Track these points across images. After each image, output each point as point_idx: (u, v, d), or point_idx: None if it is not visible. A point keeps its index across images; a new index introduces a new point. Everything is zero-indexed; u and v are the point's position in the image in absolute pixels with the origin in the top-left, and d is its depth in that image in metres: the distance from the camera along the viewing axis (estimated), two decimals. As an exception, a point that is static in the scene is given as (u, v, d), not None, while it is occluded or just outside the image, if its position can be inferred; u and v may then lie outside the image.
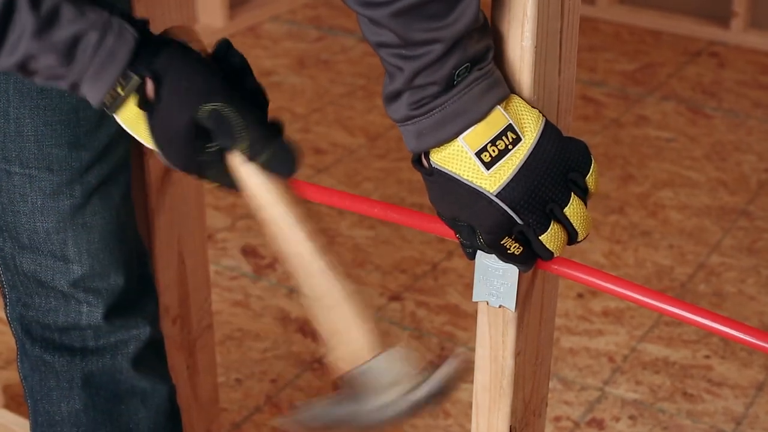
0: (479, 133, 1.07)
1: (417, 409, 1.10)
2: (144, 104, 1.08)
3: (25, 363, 1.43)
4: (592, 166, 1.13)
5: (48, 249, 1.34)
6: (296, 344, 2.38)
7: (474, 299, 1.24)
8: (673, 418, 2.19)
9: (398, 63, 1.05)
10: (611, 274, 1.22)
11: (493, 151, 1.08)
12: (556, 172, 1.10)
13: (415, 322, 2.45)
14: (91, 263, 1.35)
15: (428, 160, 1.10)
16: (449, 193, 1.10)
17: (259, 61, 3.71)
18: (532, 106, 1.12)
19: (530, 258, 1.14)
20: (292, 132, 3.24)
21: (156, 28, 1.48)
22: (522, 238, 1.12)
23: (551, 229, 1.11)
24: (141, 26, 1.09)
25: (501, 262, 1.17)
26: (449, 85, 1.05)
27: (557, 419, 2.19)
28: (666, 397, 2.25)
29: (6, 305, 1.42)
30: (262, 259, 2.68)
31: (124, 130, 1.34)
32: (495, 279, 1.21)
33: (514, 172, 1.08)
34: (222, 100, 1.09)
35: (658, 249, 2.73)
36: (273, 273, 2.62)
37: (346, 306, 1.11)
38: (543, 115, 1.12)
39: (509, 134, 1.08)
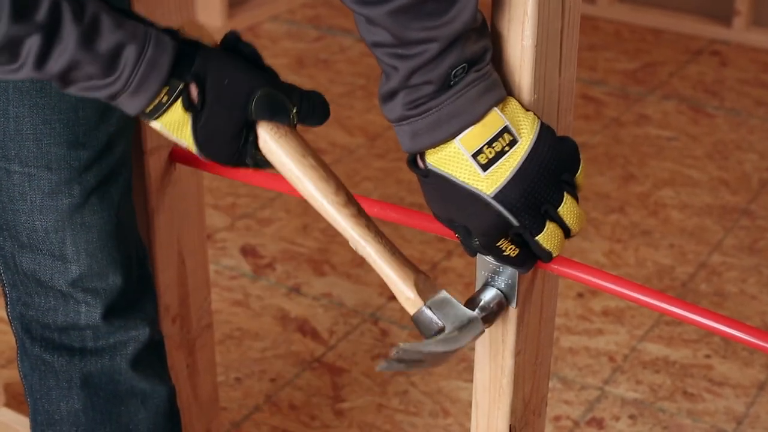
0: (475, 135, 1.08)
1: (477, 335, 1.18)
2: (191, 108, 1.11)
3: (25, 362, 1.43)
4: (581, 165, 1.14)
5: (47, 248, 1.34)
6: (295, 343, 2.38)
7: (477, 295, 1.25)
8: (673, 418, 2.19)
9: (393, 62, 1.05)
10: (611, 274, 1.22)
11: (490, 152, 1.08)
12: (551, 173, 1.11)
13: (415, 322, 2.45)
14: (90, 263, 1.36)
15: (424, 160, 1.11)
16: (445, 194, 1.11)
17: (259, 60, 3.71)
18: (533, 106, 1.13)
19: (528, 259, 1.15)
20: (291, 131, 3.25)
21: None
22: (518, 240, 1.13)
23: (547, 229, 1.12)
24: (174, 35, 1.12)
25: (502, 259, 1.19)
26: (446, 85, 1.05)
27: (557, 419, 2.19)
28: (666, 396, 2.25)
29: (7, 304, 1.43)
30: (261, 258, 2.68)
31: (124, 130, 1.35)
32: (496, 275, 1.21)
33: (511, 175, 1.09)
34: (262, 85, 1.13)
35: (658, 248, 2.73)
36: (272, 272, 2.62)
37: (385, 264, 1.16)
38: (538, 117, 1.12)
39: (506, 136, 1.08)
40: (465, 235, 1.14)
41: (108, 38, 1.05)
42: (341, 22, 4.07)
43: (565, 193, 1.12)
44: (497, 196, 1.09)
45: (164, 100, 1.10)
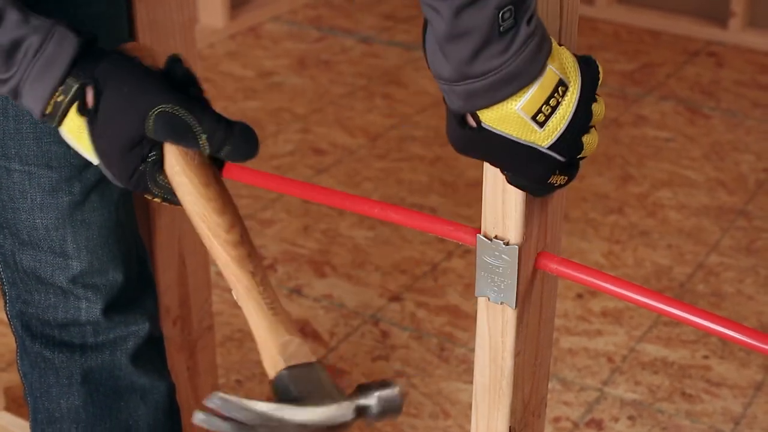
0: (535, 98, 1.05)
1: (337, 425, 1.03)
2: (84, 112, 1.07)
3: (25, 360, 1.43)
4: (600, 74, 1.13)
5: (47, 245, 1.34)
6: (296, 344, 2.37)
7: (476, 294, 1.24)
8: (671, 419, 2.19)
9: (436, 4, 1.00)
10: (610, 275, 1.22)
11: (547, 110, 1.06)
12: (590, 102, 1.10)
13: (414, 323, 2.45)
14: (90, 260, 1.36)
15: (476, 118, 1.07)
16: (496, 149, 1.08)
17: (260, 61, 3.71)
18: None
19: (574, 172, 1.14)
20: (292, 132, 3.25)
21: (158, 29, 1.49)
22: (565, 169, 1.12)
23: (585, 144, 1.11)
24: (87, 37, 1.08)
25: (502, 258, 1.18)
26: (495, 32, 1.00)
27: (556, 420, 2.19)
28: (665, 397, 2.25)
29: (6, 302, 1.43)
30: (262, 260, 2.68)
31: None
32: (496, 275, 1.21)
33: (566, 124, 1.07)
34: (168, 102, 1.06)
35: (656, 249, 2.73)
36: (273, 274, 2.62)
37: (259, 318, 1.09)
38: (570, 51, 1.10)
39: (560, 89, 1.06)
40: (511, 176, 1.13)
41: (10, 32, 1.04)
42: (343, 22, 4.07)
43: (594, 106, 1.11)
44: (553, 146, 1.08)
45: (59, 100, 1.07)
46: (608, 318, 2.48)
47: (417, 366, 2.32)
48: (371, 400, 1.05)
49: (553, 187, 1.14)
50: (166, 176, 1.10)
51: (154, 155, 1.09)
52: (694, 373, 2.31)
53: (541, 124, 1.07)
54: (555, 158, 1.09)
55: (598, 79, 1.12)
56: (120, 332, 1.41)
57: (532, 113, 1.06)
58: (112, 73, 1.07)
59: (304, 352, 1.06)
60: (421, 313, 2.48)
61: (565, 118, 1.07)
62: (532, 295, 1.24)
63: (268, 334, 1.07)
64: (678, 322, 2.33)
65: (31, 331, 1.41)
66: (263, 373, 2.29)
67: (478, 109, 1.06)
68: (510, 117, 1.06)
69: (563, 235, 2.18)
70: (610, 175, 3.07)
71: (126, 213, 1.40)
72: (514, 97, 1.05)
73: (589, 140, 1.11)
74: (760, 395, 2.25)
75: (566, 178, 1.13)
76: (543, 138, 1.08)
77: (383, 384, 1.06)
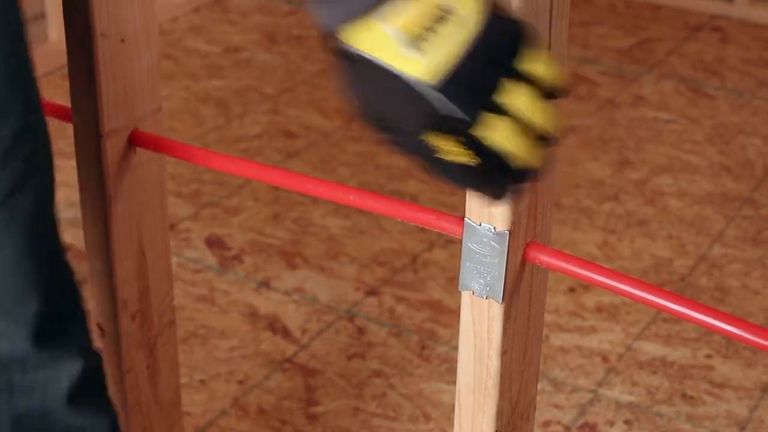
0: (403, 12, 0.98)
1: None
2: None
3: None
4: (530, 49, 1.04)
5: None
6: (265, 343, 2.38)
7: (459, 289, 1.24)
8: (671, 422, 2.20)
9: None
10: (605, 267, 1.23)
11: (427, 33, 0.99)
12: (495, 61, 1.01)
13: (393, 319, 2.45)
14: (3, 287, 1.29)
15: (346, 44, 1.00)
16: (376, 85, 1.01)
17: (227, 36, 3.71)
18: None
19: (492, 175, 1.04)
20: (261, 114, 3.25)
21: (118, 7, 1.48)
22: (471, 143, 1.02)
23: (489, 121, 1.01)
24: None
25: (490, 245, 1.18)
26: None
27: (546, 423, 2.20)
28: (664, 399, 2.26)
29: None
30: (228, 250, 2.68)
31: (31, 126, 1.26)
32: (482, 265, 1.21)
33: (454, 59, 0.99)
34: None
35: (656, 239, 2.74)
36: (240, 266, 2.62)
37: None
38: None
39: (443, 9, 0.99)
40: (401, 134, 1.03)
41: None
42: (315, -5, 4.06)
43: (506, 80, 1.01)
44: (443, 88, 0.99)
45: None
46: (603, 314, 2.49)
47: (396, 365, 2.32)
48: None
49: (439, 160, 1.02)
50: None
51: None
52: (695, 373, 2.33)
53: (423, 51, 0.98)
54: (449, 106, 0.99)
55: (522, 44, 1.03)
56: (50, 371, 1.33)
57: (405, 31, 0.98)
58: None
59: None
60: (401, 308, 2.49)
61: (452, 49, 0.99)
62: (521, 288, 1.25)
63: None
64: (678, 318, 2.34)
65: None
66: (229, 372, 2.30)
67: (337, 26, 0.99)
68: (380, 37, 0.98)
69: (554, 225, 2.19)
70: (606, 159, 3.08)
71: (45, 226, 1.32)
72: (375, 11, 0.97)
73: (499, 124, 1.01)
74: (766, 397, 2.26)
75: (465, 154, 1.01)
76: (426, 70, 0.99)
77: None
